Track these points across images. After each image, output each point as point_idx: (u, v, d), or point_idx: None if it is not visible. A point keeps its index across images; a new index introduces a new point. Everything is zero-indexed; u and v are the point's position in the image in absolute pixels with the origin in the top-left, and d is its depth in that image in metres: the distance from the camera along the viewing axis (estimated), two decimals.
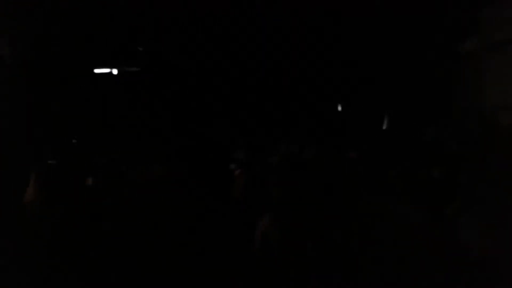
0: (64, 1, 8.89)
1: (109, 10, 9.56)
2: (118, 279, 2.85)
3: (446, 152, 4.96)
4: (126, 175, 4.17)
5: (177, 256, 3.31)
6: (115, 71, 13.33)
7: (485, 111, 7.62)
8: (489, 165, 3.94)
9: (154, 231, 3.21)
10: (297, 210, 2.24)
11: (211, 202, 4.15)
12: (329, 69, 12.42)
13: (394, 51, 9.92)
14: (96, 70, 12.70)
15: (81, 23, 9.78)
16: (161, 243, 3.18)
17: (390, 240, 2.65)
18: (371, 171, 3.83)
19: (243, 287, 2.67)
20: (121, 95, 12.85)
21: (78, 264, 2.73)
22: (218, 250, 3.30)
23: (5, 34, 8.44)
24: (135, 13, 9.94)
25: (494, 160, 4.10)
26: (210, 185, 4.97)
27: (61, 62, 9.91)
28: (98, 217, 3.21)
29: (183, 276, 3.03)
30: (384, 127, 10.48)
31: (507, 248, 2.82)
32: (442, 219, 3.14)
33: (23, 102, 8.61)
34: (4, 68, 8.38)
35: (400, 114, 10.28)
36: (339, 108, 13.12)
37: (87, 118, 11.69)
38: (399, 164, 3.75)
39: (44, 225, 2.91)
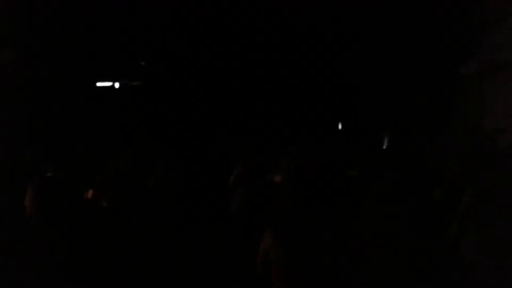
0: (67, 13, 8.97)
1: (112, 23, 9.63)
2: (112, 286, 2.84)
3: (446, 172, 4.94)
4: (125, 189, 4.14)
5: (175, 270, 3.27)
6: (117, 85, 13.39)
7: (485, 133, 7.64)
8: (488, 186, 3.92)
9: (150, 245, 3.19)
10: (300, 227, 2.22)
11: (209, 217, 4.12)
12: (330, 87, 12.49)
13: (395, 71, 9.98)
14: (99, 83, 12.76)
15: (84, 36, 9.84)
16: (156, 257, 3.15)
17: (392, 258, 2.63)
18: (370, 189, 3.80)
19: None
20: (122, 108, 12.88)
21: (75, 271, 2.72)
22: (217, 266, 3.26)
23: (7, 43, 8.48)
24: (138, 26, 10.02)
25: (494, 182, 4.09)
26: (207, 200, 4.95)
27: (63, 74, 9.94)
28: (95, 228, 3.19)
29: None
30: (384, 146, 10.49)
31: (509, 269, 2.80)
32: (443, 240, 3.12)
33: (23, 112, 8.62)
34: (6, 78, 8.40)
35: (400, 133, 10.30)
36: (340, 126, 13.14)
37: (88, 131, 11.69)
38: (399, 183, 3.74)
39: (43, 234, 2.89)
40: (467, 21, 7.97)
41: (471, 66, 7.95)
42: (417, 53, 9.23)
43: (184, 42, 10.91)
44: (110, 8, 9.13)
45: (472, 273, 3.11)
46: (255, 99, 13.11)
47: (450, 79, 9.10)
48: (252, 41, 11.23)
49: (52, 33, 9.02)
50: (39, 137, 8.78)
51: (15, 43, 8.49)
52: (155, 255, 3.15)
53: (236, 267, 2.90)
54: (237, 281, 2.81)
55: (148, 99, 13.00)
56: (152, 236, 3.26)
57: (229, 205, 5.45)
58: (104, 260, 3.00)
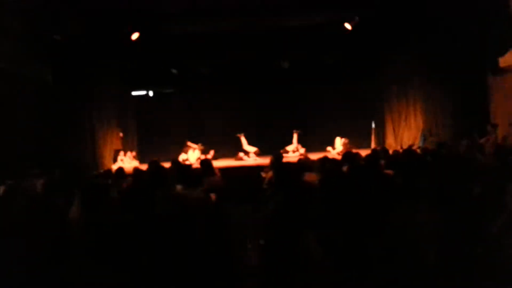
0: (102, 28, 9.29)
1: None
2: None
3: (485, 168, 4.82)
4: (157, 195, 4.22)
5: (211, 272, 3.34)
6: (151, 93, 13.74)
7: None
8: None
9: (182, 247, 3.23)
10: (338, 225, 2.25)
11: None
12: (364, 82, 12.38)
13: (436, 63, 9.84)
14: (134, 92, 13.11)
15: (118, 50, 10.16)
16: (188, 250, 3.19)
17: (428, 255, 2.62)
18: (408, 186, 3.77)
19: None
20: (156, 115, 13.22)
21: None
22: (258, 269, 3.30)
23: (48, 62, 8.89)
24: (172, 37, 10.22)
25: None
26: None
27: (100, 86, 10.28)
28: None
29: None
30: (421, 144, 10.30)
31: None
32: (486, 237, 3.06)
33: (64, 120, 8.98)
34: (48, 90, 8.79)
35: (438, 127, 10.12)
36: (373, 125, 13.00)
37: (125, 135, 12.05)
38: (438, 179, 3.68)
39: (86, 234, 3.01)
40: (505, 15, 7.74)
41: (510, 59, 7.72)
42: (458, 47, 9.06)
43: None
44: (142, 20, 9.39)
45: None
46: (282, 103, 13.20)
47: (488, 73, 8.88)
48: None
49: (87, 49, 9.32)
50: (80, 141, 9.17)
51: (54, 60, 8.87)
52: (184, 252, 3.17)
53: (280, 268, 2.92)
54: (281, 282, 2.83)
55: (179, 106, 13.29)
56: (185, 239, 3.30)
57: (264, 208, 5.51)
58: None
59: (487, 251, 3.20)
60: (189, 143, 11.95)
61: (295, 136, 11.80)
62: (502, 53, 7.89)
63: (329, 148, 11.57)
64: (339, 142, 11.65)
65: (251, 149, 11.68)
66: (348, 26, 9.95)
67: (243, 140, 11.94)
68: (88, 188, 3.64)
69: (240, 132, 12.00)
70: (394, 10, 9.46)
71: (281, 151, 11.22)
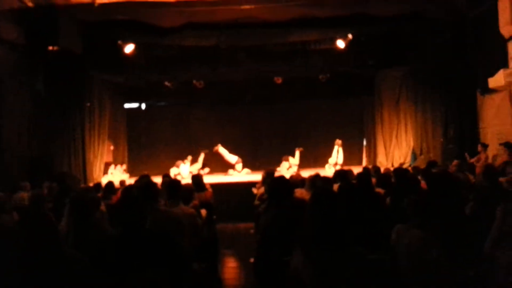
0: (96, 41, 9.31)
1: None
2: None
3: (476, 187, 4.87)
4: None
5: None
6: (143, 106, 13.70)
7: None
8: None
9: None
10: (329, 244, 2.23)
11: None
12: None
13: (427, 82, 10.02)
14: (126, 105, 13.05)
15: (111, 62, 10.17)
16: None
17: (424, 274, 2.62)
18: (399, 205, 3.78)
19: None
20: (148, 128, 13.17)
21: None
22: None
23: (41, 72, 8.88)
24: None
25: None
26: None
27: (92, 97, 10.23)
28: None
29: None
30: (411, 162, 10.37)
31: None
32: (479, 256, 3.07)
33: (55, 132, 8.93)
34: (39, 101, 8.76)
35: (429, 145, 10.23)
36: (364, 143, 13.02)
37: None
38: (429, 197, 3.70)
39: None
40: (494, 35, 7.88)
41: (499, 79, 7.83)
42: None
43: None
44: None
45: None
46: (274, 118, 13.21)
47: (478, 93, 9.02)
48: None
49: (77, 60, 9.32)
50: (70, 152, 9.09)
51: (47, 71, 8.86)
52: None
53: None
54: None
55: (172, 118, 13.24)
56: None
57: (256, 224, 5.48)
58: None
59: (480, 270, 3.21)
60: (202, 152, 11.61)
61: (297, 153, 11.33)
62: (492, 74, 8.00)
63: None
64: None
65: (233, 158, 11.35)
66: (341, 43, 10.08)
67: (223, 151, 11.48)
68: (77, 201, 3.59)
69: (215, 145, 11.48)
70: (387, 29, 9.60)
71: (283, 158, 11.05)
